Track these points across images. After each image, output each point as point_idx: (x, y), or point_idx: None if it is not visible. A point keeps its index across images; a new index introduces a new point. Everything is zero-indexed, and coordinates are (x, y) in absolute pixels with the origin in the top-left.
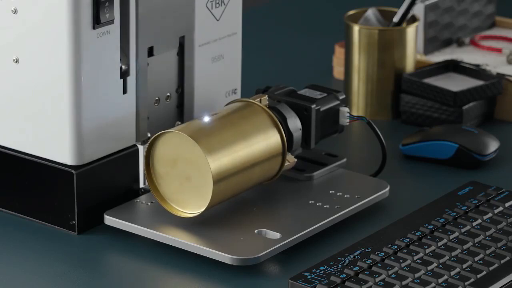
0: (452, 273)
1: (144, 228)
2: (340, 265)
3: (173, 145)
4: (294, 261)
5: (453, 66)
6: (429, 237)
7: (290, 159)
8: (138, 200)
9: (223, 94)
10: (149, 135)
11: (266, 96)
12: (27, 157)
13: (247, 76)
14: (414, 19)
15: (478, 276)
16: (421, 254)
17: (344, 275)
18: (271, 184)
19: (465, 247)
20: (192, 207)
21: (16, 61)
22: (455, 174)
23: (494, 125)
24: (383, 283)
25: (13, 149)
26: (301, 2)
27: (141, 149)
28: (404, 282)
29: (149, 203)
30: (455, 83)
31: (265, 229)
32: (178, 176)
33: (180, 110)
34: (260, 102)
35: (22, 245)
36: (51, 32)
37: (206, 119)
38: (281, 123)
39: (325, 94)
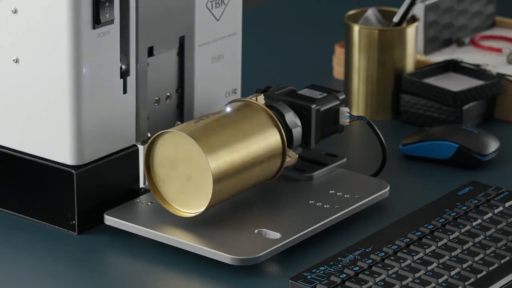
0: (452, 273)
1: (144, 228)
2: (340, 265)
3: (173, 145)
4: (294, 261)
5: (453, 66)
6: (429, 237)
7: (292, 155)
8: (138, 200)
9: (223, 94)
10: (149, 135)
11: (262, 95)
12: (27, 157)
13: (247, 76)
14: (414, 19)
15: (478, 276)
16: (421, 254)
17: (344, 275)
18: (271, 184)
19: (465, 247)
20: (192, 207)
21: (16, 61)
22: (455, 174)
23: (494, 125)
24: (383, 283)
25: (13, 149)
26: (301, 2)
27: (141, 149)
28: (404, 282)
29: (149, 203)
30: (455, 83)
31: (265, 229)
32: (178, 177)
33: (180, 110)
34: (256, 101)
35: (22, 245)
36: (51, 32)
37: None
38: (280, 122)
39: (325, 94)
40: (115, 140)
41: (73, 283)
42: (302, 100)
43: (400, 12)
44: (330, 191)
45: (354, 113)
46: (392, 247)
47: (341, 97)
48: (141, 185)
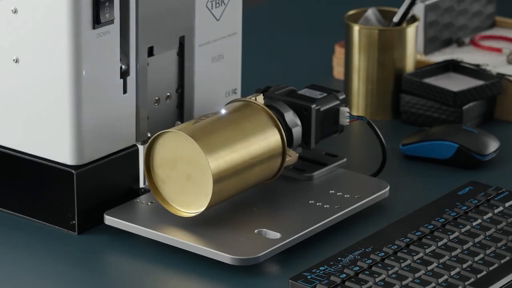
0: (452, 273)
1: (144, 228)
2: (340, 265)
3: (173, 145)
4: (294, 261)
5: (453, 66)
6: (429, 237)
7: (292, 154)
8: (138, 200)
9: (223, 94)
10: (149, 135)
11: (261, 94)
12: (27, 157)
13: (247, 76)
14: (414, 19)
15: (478, 276)
16: (421, 254)
17: (344, 275)
18: (271, 184)
19: (465, 247)
20: (192, 206)
21: (16, 61)
22: (455, 174)
23: (494, 125)
24: (383, 283)
25: (13, 149)
26: (301, 2)
27: (141, 149)
28: (404, 282)
29: (149, 203)
30: (455, 83)
31: (265, 229)
32: (179, 177)
33: (180, 110)
34: (256, 101)
35: (22, 245)
36: (51, 32)
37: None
38: (280, 121)
39: (325, 94)
40: (115, 140)
41: (73, 283)
42: (302, 100)
43: (400, 12)
44: (330, 191)
45: (354, 113)
46: (392, 247)
47: (341, 97)
48: (141, 185)
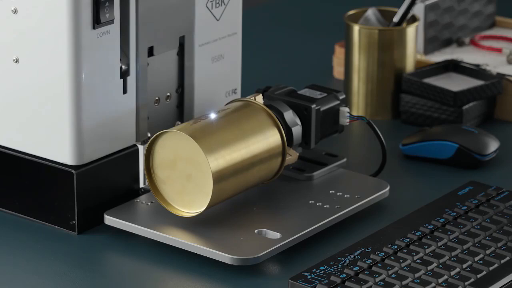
0: (452, 273)
1: (144, 228)
2: (340, 265)
3: (173, 145)
4: (294, 261)
5: (453, 66)
6: (429, 237)
7: (292, 153)
8: (138, 200)
9: (223, 94)
10: (149, 135)
11: (261, 94)
12: (27, 157)
13: (247, 76)
14: (414, 19)
15: (478, 276)
16: (421, 254)
17: (344, 275)
18: (271, 184)
19: (465, 247)
20: (192, 206)
21: (16, 61)
22: (455, 174)
23: (494, 125)
24: (383, 283)
25: (13, 149)
26: (301, 2)
27: (141, 149)
28: (404, 282)
29: (149, 203)
30: (455, 83)
31: (265, 229)
32: (179, 178)
33: (180, 110)
34: (255, 100)
35: (22, 245)
36: (51, 32)
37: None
38: (279, 121)
39: (325, 94)
40: (115, 140)
41: (73, 283)
42: (302, 100)
43: (400, 12)
44: (330, 191)
45: (354, 113)
46: (392, 247)
47: (341, 97)
48: (141, 185)
